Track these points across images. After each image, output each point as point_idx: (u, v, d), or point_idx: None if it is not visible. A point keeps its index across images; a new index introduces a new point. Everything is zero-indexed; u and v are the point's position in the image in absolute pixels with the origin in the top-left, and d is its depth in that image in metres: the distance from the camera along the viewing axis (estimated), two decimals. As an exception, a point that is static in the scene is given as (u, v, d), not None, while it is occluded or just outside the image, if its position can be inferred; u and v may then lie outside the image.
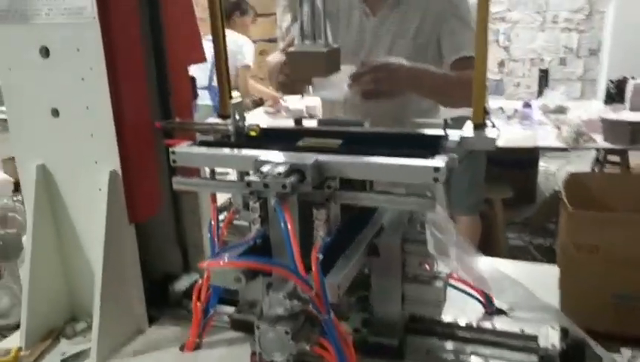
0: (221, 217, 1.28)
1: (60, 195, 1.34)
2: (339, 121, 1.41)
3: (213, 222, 1.26)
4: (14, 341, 1.34)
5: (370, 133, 1.30)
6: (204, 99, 4.12)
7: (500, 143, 3.07)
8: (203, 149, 1.20)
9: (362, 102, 1.78)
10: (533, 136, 3.65)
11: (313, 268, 0.99)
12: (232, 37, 3.99)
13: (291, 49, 1.20)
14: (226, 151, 1.18)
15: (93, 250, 1.28)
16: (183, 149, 1.20)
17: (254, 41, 4.77)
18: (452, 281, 1.35)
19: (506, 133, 3.43)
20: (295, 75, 1.20)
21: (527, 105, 3.97)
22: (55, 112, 1.27)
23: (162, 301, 1.48)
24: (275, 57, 1.84)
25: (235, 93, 1.31)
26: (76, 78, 1.22)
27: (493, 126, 1.25)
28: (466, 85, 1.64)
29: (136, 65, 1.27)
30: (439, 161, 1.03)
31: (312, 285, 0.98)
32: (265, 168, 1.04)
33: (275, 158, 1.08)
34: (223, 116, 1.37)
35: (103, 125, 1.23)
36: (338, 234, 1.18)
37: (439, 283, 1.20)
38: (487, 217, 3.36)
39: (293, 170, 1.05)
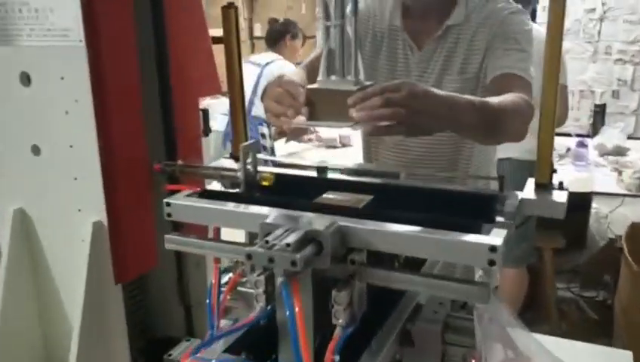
0: (226, 279, 1.07)
1: (40, 244, 1.15)
2: (370, 170, 1.17)
3: (213, 286, 1.04)
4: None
5: (407, 188, 1.07)
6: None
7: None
8: (202, 202, 0.98)
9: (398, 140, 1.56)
10: (589, 180, 3.33)
11: (327, 375, 0.75)
12: (279, 63, 3.80)
13: (313, 85, 0.98)
14: (229, 206, 0.96)
15: (75, 309, 1.08)
16: (179, 201, 0.99)
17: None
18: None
19: (558, 175, 3.13)
20: (315, 117, 0.97)
21: (581, 144, 3.65)
22: (36, 149, 1.09)
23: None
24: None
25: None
26: (59, 111, 1.04)
27: (562, 188, 1.01)
28: (513, 110, 1.35)
29: (130, 97, 1.07)
30: (496, 238, 0.79)
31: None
32: (272, 236, 0.82)
33: (285, 221, 0.85)
34: (236, 158, 1.17)
35: (87, 167, 1.04)
36: (365, 317, 0.95)
37: (488, 381, 0.95)
38: (534, 268, 3.04)
39: (308, 239, 0.82)
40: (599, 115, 4.30)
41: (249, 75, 3.50)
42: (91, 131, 1.01)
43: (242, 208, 0.95)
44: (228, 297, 1.07)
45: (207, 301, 1.04)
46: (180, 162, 1.14)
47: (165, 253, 1.25)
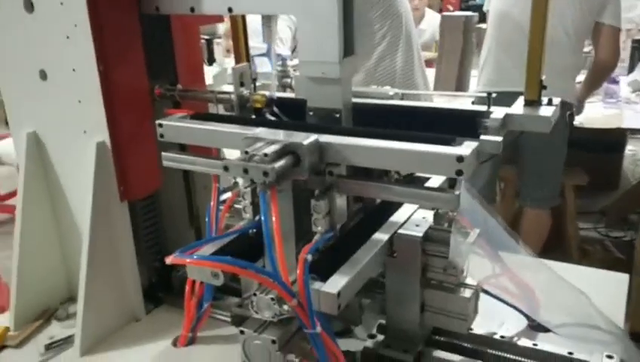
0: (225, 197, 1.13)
1: (52, 166, 1.23)
2: (365, 92, 1.19)
3: (212, 204, 1.10)
4: (5, 319, 1.25)
5: (396, 107, 1.09)
6: (263, 66, 3.95)
7: (579, 122, 2.70)
8: (191, 123, 1.03)
9: None
10: (618, 116, 3.24)
11: (298, 272, 0.81)
12: None
13: None
14: (214, 126, 1.00)
15: (84, 225, 1.16)
16: (171, 122, 1.04)
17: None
18: (487, 286, 1.14)
19: (586, 112, 3.05)
20: None
21: (613, 81, 3.53)
22: (43, 75, 1.15)
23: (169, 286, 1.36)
24: None
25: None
26: (61, 36, 1.09)
27: (550, 103, 1.02)
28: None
29: (129, 22, 1.11)
30: (464, 148, 0.81)
31: (294, 293, 0.81)
32: (251, 148, 0.86)
33: (268, 136, 0.90)
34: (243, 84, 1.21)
35: (90, 91, 1.09)
36: (350, 232, 1.00)
37: (467, 293, 1.00)
38: (558, 206, 3.01)
39: (287, 151, 0.86)
40: (637, 50, 4.13)
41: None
42: (91, 55, 1.06)
43: (226, 127, 0.99)
44: (226, 215, 1.14)
45: (206, 219, 1.11)
46: (179, 87, 1.19)
47: (174, 177, 1.32)
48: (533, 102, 1.01)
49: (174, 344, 1.17)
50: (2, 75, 1.21)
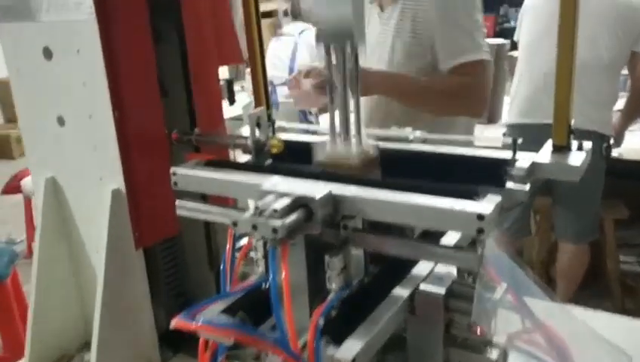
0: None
1: (71, 212, 1.22)
2: (385, 135, 1.15)
3: (227, 251, 1.07)
4: (21, 366, 1.23)
5: (415, 153, 1.04)
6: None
7: (618, 153, 2.62)
8: (204, 171, 1.01)
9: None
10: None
11: (309, 338, 0.76)
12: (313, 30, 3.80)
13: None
14: (226, 175, 0.98)
15: (98, 273, 1.14)
16: (184, 170, 1.02)
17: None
18: (518, 343, 1.07)
19: (626, 142, 2.93)
20: None
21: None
22: (61, 121, 1.14)
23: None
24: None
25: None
26: (78, 83, 1.08)
27: (581, 148, 0.96)
28: (448, 91, 1.72)
29: (145, 67, 1.10)
30: (486, 206, 0.76)
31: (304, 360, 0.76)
32: (262, 202, 0.83)
33: (279, 187, 0.86)
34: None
35: (105, 137, 1.08)
36: (366, 288, 0.94)
37: (493, 353, 0.93)
38: (597, 240, 2.89)
39: (298, 205, 0.83)
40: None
41: (285, 46, 3.52)
42: (107, 102, 1.05)
43: (240, 177, 0.96)
44: (242, 262, 1.10)
45: (221, 266, 1.08)
46: (196, 131, 1.17)
47: (195, 219, 1.29)
48: (561, 148, 0.96)
49: (189, 397, 1.13)
50: (23, 120, 1.21)
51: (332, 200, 0.85)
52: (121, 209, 1.11)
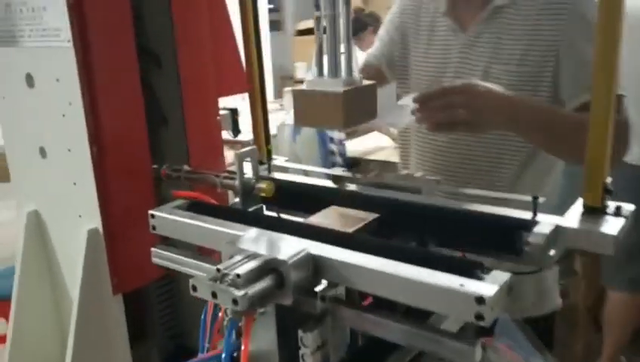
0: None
1: (53, 248, 1.14)
2: (391, 184, 1.02)
3: (209, 304, 0.96)
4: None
5: (422, 206, 0.90)
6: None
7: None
8: (183, 216, 0.90)
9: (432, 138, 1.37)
10: None
11: None
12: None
13: (300, 86, 0.85)
14: (202, 223, 0.87)
15: (71, 319, 1.05)
16: (162, 213, 0.92)
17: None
18: None
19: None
20: (301, 122, 0.85)
21: None
22: (43, 152, 1.07)
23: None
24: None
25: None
26: (58, 113, 1.00)
27: (618, 213, 0.80)
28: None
29: (130, 98, 1.01)
30: (488, 286, 0.62)
31: None
32: (226, 264, 0.71)
33: (249, 245, 0.75)
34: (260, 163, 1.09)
35: (84, 173, 0.99)
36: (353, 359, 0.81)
37: None
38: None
39: (268, 269, 0.71)
40: None
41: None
42: (84, 136, 0.96)
43: (219, 226, 0.85)
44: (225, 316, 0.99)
45: (202, 318, 0.97)
46: (185, 167, 1.07)
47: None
48: (594, 210, 0.81)
49: None
50: (8, 149, 1.14)
51: (309, 262, 0.72)
52: (98, 250, 1.02)
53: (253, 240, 0.77)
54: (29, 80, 1.03)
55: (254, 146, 1.00)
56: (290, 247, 0.73)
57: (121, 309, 1.07)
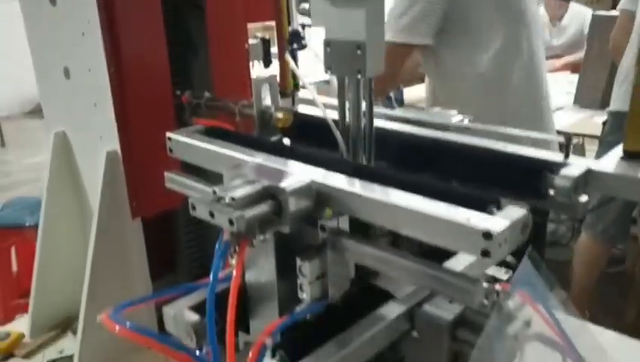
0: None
1: (78, 170, 1.15)
2: (417, 119, 0.95)
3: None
4: (23, 325, 1.20)
5: (445, 143, 0.84)
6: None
7: None
8: (196, 141, 0.87)
9: None
10: None
11: (249, 359, 0.62)
12: None
13: None
14: (215, 147, 0.84)
15: (90, 241, 1.06)
16: (179, 136, 0.90)
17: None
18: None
19: None
20: None
21: None
22: (67, 72, 1.06)
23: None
24: None
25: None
26: (78, 32, 0.98)
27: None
28: None
29: (148, 20, 0.98)
30: (497, 221, 0.57)
31: (239, 387, 0.62)
32: (224, 186, 0.68)
33: (251, 171, 0.71)
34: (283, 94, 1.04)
35: (103, 94, 0.98)
36: (351, 301, 0.77)
37: (510, 402, 0.74)
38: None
39: (267, 195, 0.67)
40: None
41: None
42: (102, 56, 0.94)
43: (229, 151, 0.82)
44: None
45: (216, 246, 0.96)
46: (206, 94, 1.04)
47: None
48: (635, 156, 0.72)
49: (174, 384, 1.03)
50: (36, 70, 1.14)
51: (312, 192, 0.69)
52: (117, 173, 1.01)
53: (257, 166, 0.74)
54: (53, -3, 1.02)
55: (274, 74, 0.95)
56: (293, 175, 0.69)
57: (140, 234, 1.07)
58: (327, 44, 0.79)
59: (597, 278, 2.54)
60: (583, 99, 3.10)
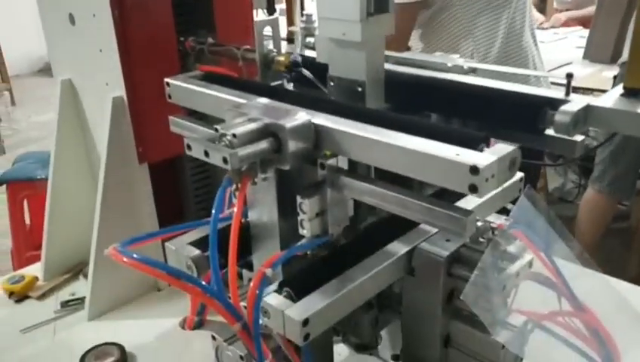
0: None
1: (86, 117, 1.17)
2: (422, 60, 0.95)
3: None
4: (37, 269, 1.24)
5: (446, 82, 0.84)
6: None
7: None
8: (194, 85, 0.88)
9: None
10: None
11: (250, 288, 0.64)
12: None
13: None
14: (214, 92, 0.85)
15: (98, 186, 1.08)
16: (177, 82, 0.91)
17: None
18: (546, 322, 0.88)
19: None
20: None
21: None
22: (72, 19, 1.06)
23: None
24: None
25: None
26: (81, -24, 0.98)
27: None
28: None
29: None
30: (484, 157, 0.58)
31: (241, 315, 0.65)
32: (225, 124, 0.70)
33: (253, 110, 0.73)
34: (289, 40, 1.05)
35: (107, 39, 0.99)
36: (353, 239, 0.80)
37: (503, 332, 0.76)
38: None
39: (268, 133, 0.69)
40: None
41: None
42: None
43: (228, 95, 0.83)
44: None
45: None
46: (209, 40, 1.05)
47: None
48: (635, 92, 0.73)
49: (182, 326, 1.07)
50: (42, 17, 1.15)
51: (310, 130, 0.70)
52: (124, 119, 1.03)
53: (258, 106, 0.75)
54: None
55: (276, 16, 0.95)
56: (292, 115, 0.70)
57: (147, 179, 1.09)
58: (331, 79, 0.82)
59: (602, 233, 2.56)
60: (592, 54, 3.05)
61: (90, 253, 1.21)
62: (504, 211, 0.88)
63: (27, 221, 2.44)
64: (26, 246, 2.34)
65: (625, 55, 2.38)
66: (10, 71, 6.12)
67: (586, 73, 2.86)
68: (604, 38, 3.00)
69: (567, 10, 3.82)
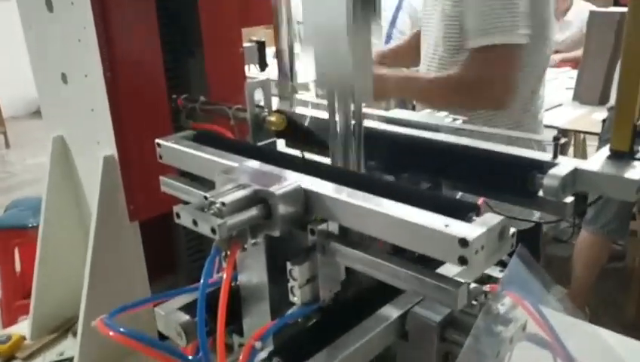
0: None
1: (78, 175, 1.16)
2: (409, 120, 0.96)
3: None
4: (24, 327, 1.22)
5: (436, 143, 0.85)
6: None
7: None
8: (184, 147, 0.89)
9: None
10: None
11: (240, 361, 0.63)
12: None
13: None
14: (203, 153, 0.85)
15: (88, 245, 1.07)
16: (168, 142, 0.91)
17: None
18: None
19: None
20: None
21: None
22: (64, 78, 1.07)
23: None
24: None
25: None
26: (74, 38, 1.00)
27: (646, 159, 0.73)
28: (451, 88, 1.46)
29: (143, 26, 0.99)
30: (474, 229, 0.58)
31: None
32: (215, 192, 0.69)
33: (242, 175, 0.73)
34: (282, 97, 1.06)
35: (99, 99, 0.99)
36: (345, 305, 0.79)
37: (500, 402, 0.75)
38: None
39: (258, 199, 0.69)
40: None
41: (384, 6, 3.20)
42: (98, 61, 0.96)
43: (218, 157, 0.83)
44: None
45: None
46: (201, 98, 1.05)
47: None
48: (621, 155, 0.73)
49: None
50: (36, 76, 1.16)
51: (300, 196, 0.70)
52: (114, 177, 1.03)
53: (247, 171, 0.75)
54: (49, 4, 1.03)
55: (267, 77, 0.96)
56: (282, 180, 0.70)
57: (138, 237, 1.08)
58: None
59: (597, 274, 2.55)
60: (582, 96, 3.10)
61: (79, 310, 1.20)
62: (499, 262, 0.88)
63: (18, 268, 2.42)
64: (15, 295, 2.31)
65: (612, 99, 2.41)
66: (5, 112, 6.15)
67: (576, 115, 2.90)
68: (592, 80, 3.05)
69: (556, 52, 3.89)
